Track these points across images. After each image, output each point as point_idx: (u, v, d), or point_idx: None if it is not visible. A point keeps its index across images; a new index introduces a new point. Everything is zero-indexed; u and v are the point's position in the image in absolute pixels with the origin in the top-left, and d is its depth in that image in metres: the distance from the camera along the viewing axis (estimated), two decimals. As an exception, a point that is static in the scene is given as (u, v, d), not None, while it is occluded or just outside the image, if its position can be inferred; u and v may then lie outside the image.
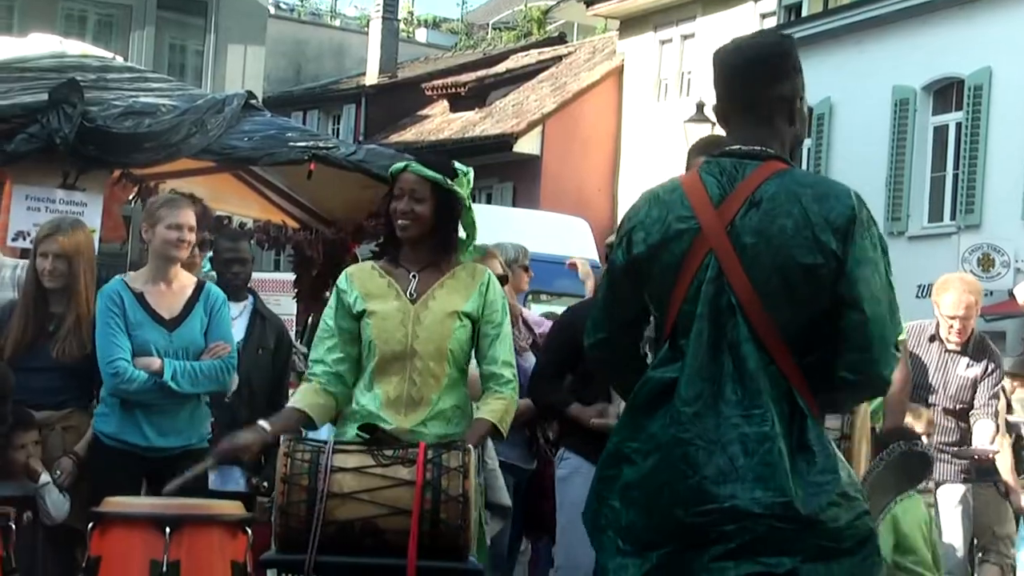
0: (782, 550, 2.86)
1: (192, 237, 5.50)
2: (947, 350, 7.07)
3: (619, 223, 3.23)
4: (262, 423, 4.41)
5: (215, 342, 5.45)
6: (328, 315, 4.54)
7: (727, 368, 2.96)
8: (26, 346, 5.46)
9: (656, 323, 3.14)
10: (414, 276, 4.48)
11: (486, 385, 4.50)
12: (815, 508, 2.88)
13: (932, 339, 7.08)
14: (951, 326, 7.01)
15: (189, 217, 5.44)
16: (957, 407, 7.06)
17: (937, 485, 6.99)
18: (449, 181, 4.44)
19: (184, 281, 5.51)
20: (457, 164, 4.55)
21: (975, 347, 7.12)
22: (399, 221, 4.44)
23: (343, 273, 4.61)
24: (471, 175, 4.55)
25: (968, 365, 7.07)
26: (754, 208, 3.01)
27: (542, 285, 12.74)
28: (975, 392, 7.07)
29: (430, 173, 4.43)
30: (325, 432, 4.71)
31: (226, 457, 4.54)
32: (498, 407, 4.44)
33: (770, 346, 2.96)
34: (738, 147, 3.12)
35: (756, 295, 2.96)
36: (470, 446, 4.19)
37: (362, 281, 4.51)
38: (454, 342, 4.43)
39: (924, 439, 6.70)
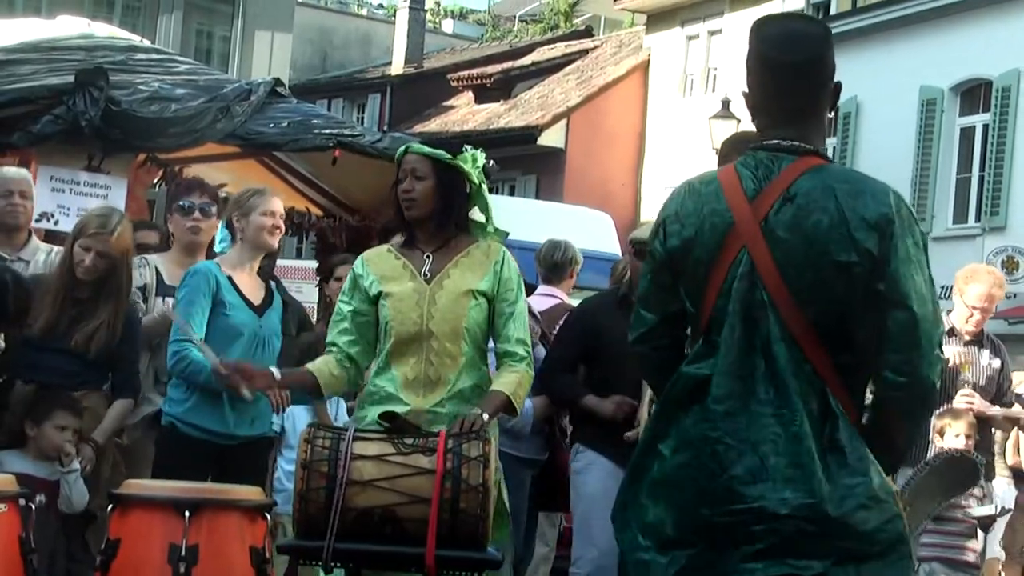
0: (811, 553, 2.83)
1: (283, 225, 5.56)
2: (966, 343, 6.94)
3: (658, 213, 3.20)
4: (273, 369, 4.53)
5: None
6: (343, 299, 4.58)
7: (759, 366, 2.93)
8: (53, 330, 5.42)
9: (691, 318, 3.10)
10: (428, 256, 4.51)
11: (500, 362, 4.52)
12: (844, 510, 2.85)
13: (950, 334, 6.86)
14: (970, 316, 6.88)
15: (279, 205, 5.51)
16: (986, 399, 6.93)
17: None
18: (450, 158, 4.48)
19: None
20: (467, 147, 4.57)
21: (989, 340, 7.03)
22: (403, 201, 4.48)
23: (359, 258, 4.65)
24: (480, 156, 4.56)
25: (991, 355, 6.96)
26: (788, 203, 2.96)
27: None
28: (999, 386, 6.98)
29: (429, 150, 4.50)
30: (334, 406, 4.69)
31: (231, 382, 4.57)
32: (512, 379, 4.45)
33: (804, 344, 2.92)
34: (776, 141, 3.06)
35: (788, 292, 2.92)
36: (491, 437, 4.20)
37: (377, 264, 4.56)
38: (469, 320, 4.45)
39: (966, 442, 6.47)
